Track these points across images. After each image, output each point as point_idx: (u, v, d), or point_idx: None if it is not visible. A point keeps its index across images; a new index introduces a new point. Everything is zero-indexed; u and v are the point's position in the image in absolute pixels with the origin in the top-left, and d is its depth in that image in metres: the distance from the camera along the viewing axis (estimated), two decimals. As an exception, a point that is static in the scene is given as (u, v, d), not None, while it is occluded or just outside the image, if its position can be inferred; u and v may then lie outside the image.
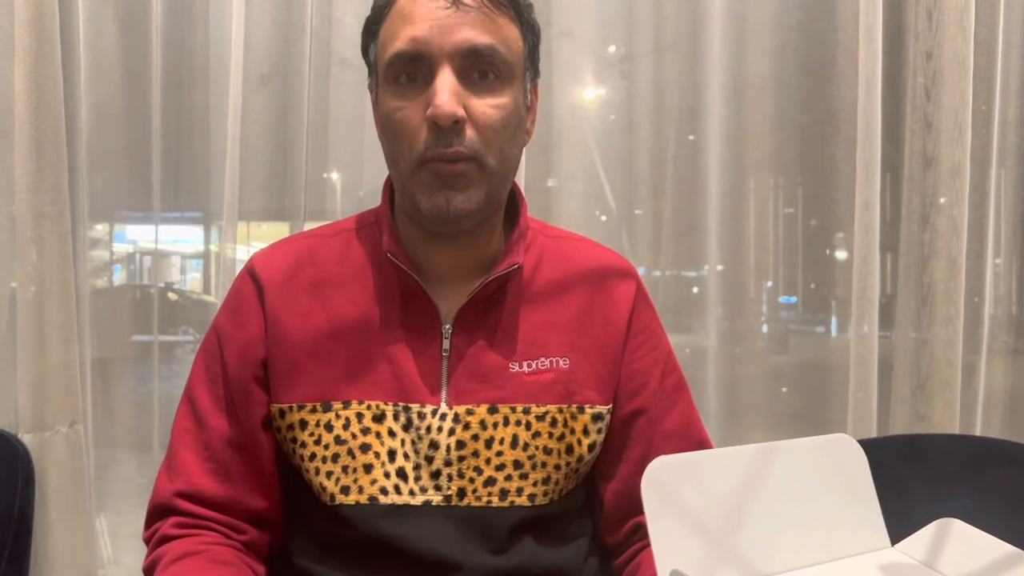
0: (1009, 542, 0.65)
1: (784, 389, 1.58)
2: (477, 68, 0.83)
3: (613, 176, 1.54)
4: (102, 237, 1.61)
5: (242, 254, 1.50)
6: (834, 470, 0.71)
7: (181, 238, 1.67)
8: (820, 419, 1.54)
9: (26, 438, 1.37)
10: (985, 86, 1.47)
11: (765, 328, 1.61)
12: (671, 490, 0.64)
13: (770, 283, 1.61)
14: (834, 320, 1.64)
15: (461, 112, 0.81)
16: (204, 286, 1.76)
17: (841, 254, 1.60)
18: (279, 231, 1.56)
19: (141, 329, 1.57)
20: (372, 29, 0.88)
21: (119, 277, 1.68)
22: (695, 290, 1.58)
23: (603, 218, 1.55)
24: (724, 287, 1.54)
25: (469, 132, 0.82)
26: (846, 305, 1.54)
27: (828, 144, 1.52)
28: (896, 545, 0.70)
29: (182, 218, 1.62)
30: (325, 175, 1.56)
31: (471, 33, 0.81)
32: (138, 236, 1.65)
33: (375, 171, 1.52)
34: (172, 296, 1.68)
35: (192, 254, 1.72)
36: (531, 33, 0.89)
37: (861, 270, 1.44)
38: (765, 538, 0.66)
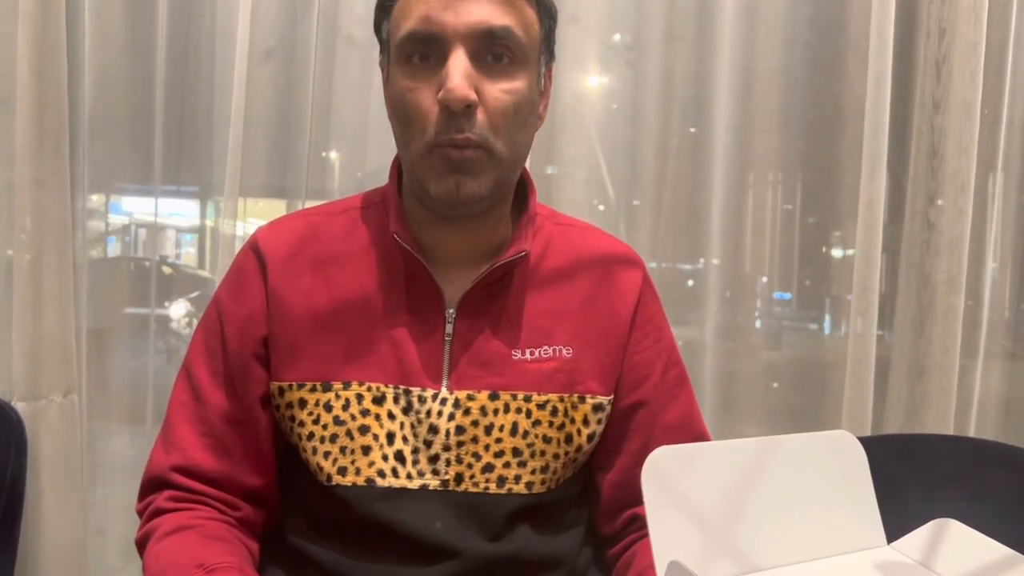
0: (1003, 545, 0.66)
1: (775, 385, 1.58)
2: (491, 50, 0.81)
3: (613, 166, 1.53)
4: (98, 208, 1.60)
5: (239, 230, 1.49)
6: (833, 466, 0.71)
7: (177, 212, 1.66)
8: (814, 416, 1.54)
9: (19, 406, 1.37)
10: (994, 89, 1.47)
11: (759, 324, 1.61)
12: (671, 481, 0.64)
13: (765, 279, 1.61)
14: (827, 318, 1.64)
15: (473, 96, 0.79)
16: (199, 261, 1.76)
17: (837, 252, 1.60)
18: (276, 208, 1.55)
19: (136, 302, 1.57)
20: (386, 6, 0.87)
21: (113, 249, 1.67)
22: (690, 283, 1.58)
23: (601, 207, 1.55)
24: (719, 281, 1.54)
25: (480, 117, 0.81)
26: (840, 303, 1.54)
27: (834, 141, 1.52)
28: (892, 544, 0.70)
29: (179, 192, 1.61)
30: (324, 154, 1.55)
31: (487, 14, 0.80)
32: (134, 208, 1.64)
33: (378, 152, 1.51)
34: (167, 270, 1.67)
35: (188, 228, 1.71)
36: (548, 16, 0.87)
37: (862, 268, 1.44)
38: (763, 532, 0.66)
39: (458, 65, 0.79)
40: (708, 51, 1.51)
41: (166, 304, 1.58)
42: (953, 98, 1.43)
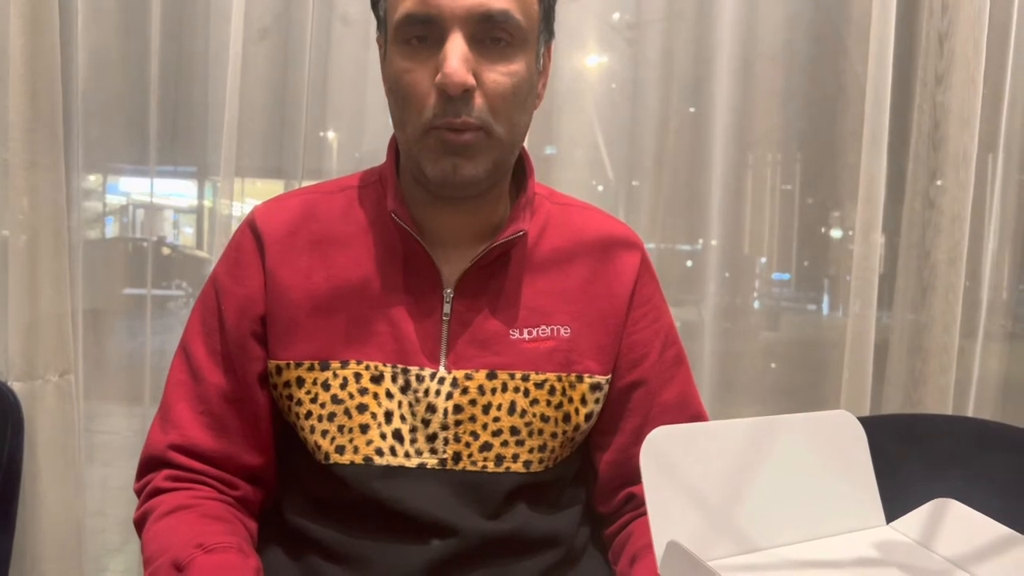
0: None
1: (773, 365, 1.58)
2: (490, 34, 0.80)
3: (612, 146, 1.52)
4: (95, 188, 1.59)
5: (236, 211, 1.48)
6: (833, 446, 0.71)
7: (174, 192, 1.65)
8: (812, 396, 1.54)
9: (16, 386, 1.37)
10: (997, 67, 1.46)
11: (757, 304, 1.61)
12: (670, 461, 0.64)
13: (764, 259, 1.61)
14: (826, 298, 1.64)
15: (471, 81, 0.79)
16: (197, 241, 1.75)
17: (836, 232, 1.59)
18: (273, 188, 1.54)
19: (133, 282, 1.56)
20: None
21: (111, 230, 1.66)
22: (689, 264, 1.57)
23: (600, 188, 1.54)
24: (718, 262, 1.54)
25: (478, 101, 0.80)
26: (838, 283, 1.54)
27: (835, 119, 1.51)
28: (892, 523, 0.70)
29: (176, 172, 1.60)
30: (322, 133, 1.54)
31: None
32: (131, 188, 1.63)
33: (375, 132, 1.50)
34: (165, 250, 1.66)
35: (185, 208, 1.70)
36: None
37: (862, 248, 1.44)
38: (762, 512, 0.66)
39: (456, 49, 0.78)
40: (708, 29, 1.49)
41: (163, 284, 1.58)
42: (956, 75, 1.42)
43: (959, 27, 1.42)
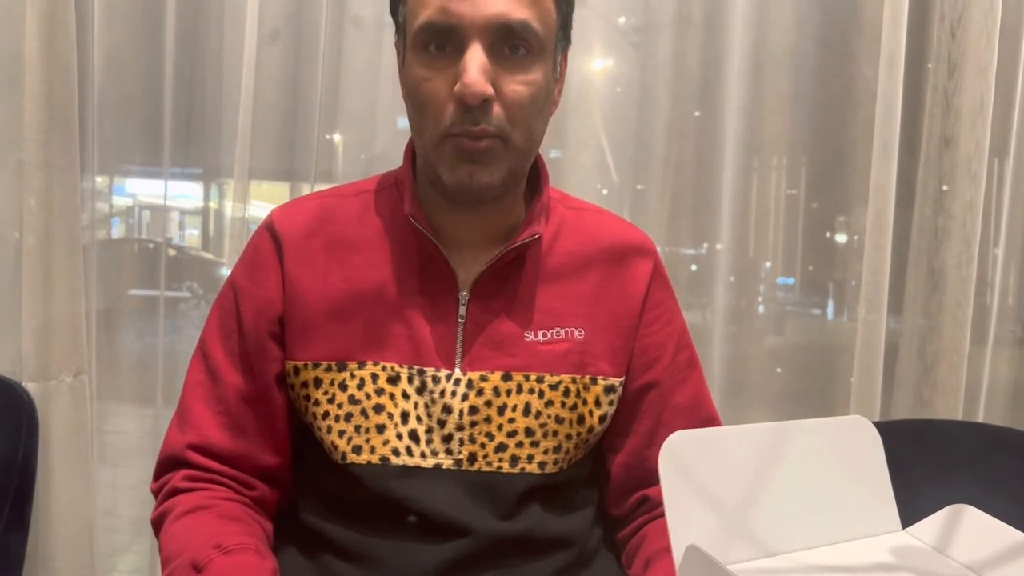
0: (1016, 532, 0.66)
1: (779, 370, 1.58)
2: (508, 43, 0.81)
3: (618, 149, 1.52)
4: (101, 190, 1.59)
5: (245, 213, 1.49)
6: (849, 451, 0.71)
7: (180, 194, 1.65)
8: (820, 401, 1.54)
9: (30, 386, 1.37)
10: (1008, 71, 1.46)
11: (762, 308, 1.61)
12: (688, 465, 0.64)
13: (769, 264, 1.61)
14: (830, 303, 1.64)
15: (490, 91, 0.79)
16: (202, 243, 1.76)
17: (841, 237, 1.60)
18: (280, 191, 1.55)
19: (143, 283, 1.57)
20: None
21: (117, 231, 1.67)
22: (694, 268, 1.58)
23: (605, 191, 1.55)
24: (724, 266, 1.54)
25: (496, 110, 0.81)
26: (843, 288, 1.54)
27: (845, 123, 1.51)
28: (907, 529, 0.71)
29: (182, 173, 1.61)
30: (329, 136, 1.55)
31: (505, 7, 0.79)
32: (138, 189, 1.64)
33: (386, 134, 1.50)
34: (171, 252, 1.67)
35: (190, 210, 1.71)
36: (565, 2, 0.87)
37: (872, 253, 1.44)
38: (779, 516, 0.66)
39: (475, 59, 0.79)
40: (716, 33, 1.49)
41: (174, 286, 1.58)
42: (968, 80, 1.42)
43: (970, 31, 1.41)
